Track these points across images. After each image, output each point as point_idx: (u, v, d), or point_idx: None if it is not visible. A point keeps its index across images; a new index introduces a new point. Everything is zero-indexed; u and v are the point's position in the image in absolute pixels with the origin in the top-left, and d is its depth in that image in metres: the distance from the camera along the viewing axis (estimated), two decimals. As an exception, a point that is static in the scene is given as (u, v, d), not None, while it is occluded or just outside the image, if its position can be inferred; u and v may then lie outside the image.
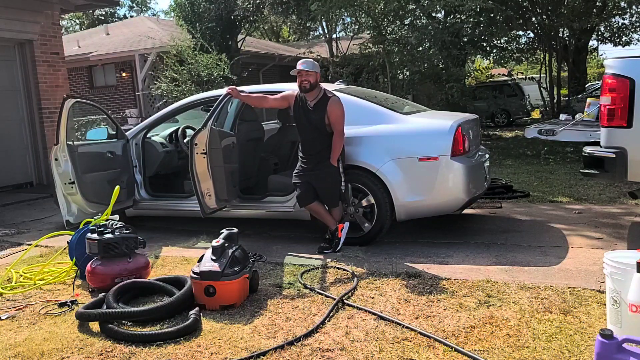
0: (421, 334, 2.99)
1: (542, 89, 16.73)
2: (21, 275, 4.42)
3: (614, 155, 4.23)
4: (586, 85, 19.07)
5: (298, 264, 4.37)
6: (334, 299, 3.50)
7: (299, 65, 4.53)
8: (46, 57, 9.79)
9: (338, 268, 4.20)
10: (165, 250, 5.05)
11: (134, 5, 40.78)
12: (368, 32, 15.31)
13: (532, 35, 16.43)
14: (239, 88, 5.07)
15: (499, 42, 15.14)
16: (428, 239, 5.03)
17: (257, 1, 16.49)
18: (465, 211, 5.54)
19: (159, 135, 6.49)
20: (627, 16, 16.59)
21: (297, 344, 2.95)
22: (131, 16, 33.58)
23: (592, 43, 20.50)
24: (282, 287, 3.86)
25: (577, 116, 9.37)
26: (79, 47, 17.70)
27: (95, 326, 3.31)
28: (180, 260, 4.64)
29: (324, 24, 17.86)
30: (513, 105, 18.26)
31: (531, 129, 9.12)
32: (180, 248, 5.08)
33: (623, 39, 17.51)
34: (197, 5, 15.83)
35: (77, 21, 37.06)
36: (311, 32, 24.42)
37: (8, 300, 3.95)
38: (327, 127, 4.57)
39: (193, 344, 3.03)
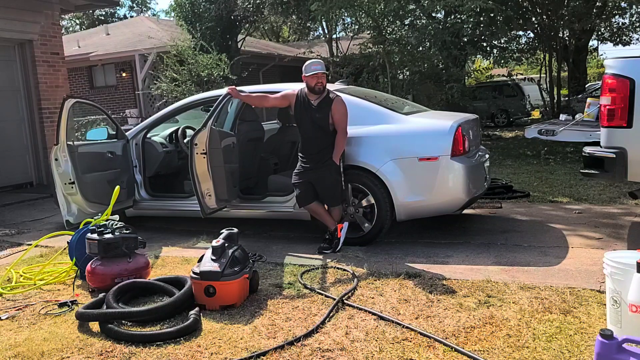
0: (421, 334, 2.99)
1: (542, 89, 16.72)
2: (21, 275, 4.42)
3: (614, 155, 4.24)
4: (586, 85, 19.07)
5: (298, 264, 4.37)
6: (334, 299, 3.49)
7: (317, 69, 4.51)
8: (46, 57, 9.78)
9: (338, 268, 4.20)
10: (165, 250, 5.05)
11: (134, 5, 40.74)
12: (368, 32, 15.31)
13: (532, 35, 16.44)
14: (238, 88, 5.08)
15: (499, 42, 15.14)
16: (428, 239, 5.03)
17: (257, 1, 16.47)
18: (465, 211, 5.54)
19: (159, 135, 6.49)
20: (627, 16, 16.61)
21: (297, 344, 2.95)
22: (131, 16, 33.53)
23: (592, 43, 20.54)
24: (282, 287, 3.86)
25: (577, 116, 9.37)
26: (79, 47, 17.70)
27: (95, 326, 3.31)
28: (180, 261, 4.64)
29: (324, 24, 17.83)
30: (512, 105, 18.26)
31: (531, 129, 9.13)
32: (180, 248, 5.08)
33: (623, 39, 17.52)
34: (197, 6, 15.83)
35: (77, 21, 37.04)
36: (311, 32, 24.39)
37: (8, 300, 3.95)
38: (330, 125, 4.58)
39: (193, 344, 3.03)
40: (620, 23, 17.27)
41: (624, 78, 4.15)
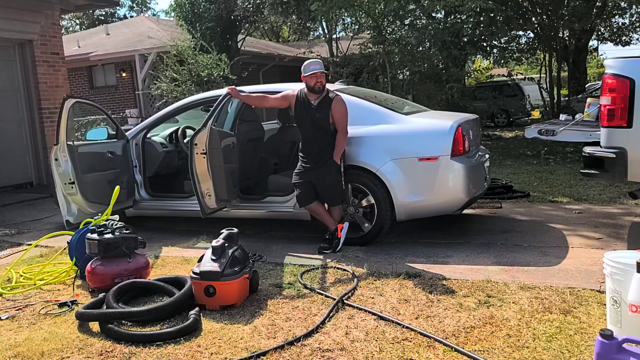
0: (421, 334, 2.99)
1: (542, 89, 16.72)
2: (21, 275, 4.42)
3: (614, 155, 4.24)
4: (586, 85, 19.07)
5: (298, 264, 4.37)
6: (334, 299, 3.49)
7: (315, 69, 4.53)
8: (46, 57, 9.78)
9: (338, 268, 4.20)
10: (165, 250, 5.05)
11: (134, 5, 40.74)
12: (368, 32, 15.31)
13: (532, 35, 16.44)
14: (238, 88, 5.08)
15: (499, 42, 15.15)
16: (428, 239, 5.03)
17: (257, 1, 16.48)
18: (465, 211, 5.54)
19: (159, 135, 6.49)
20: (627, 16, 16.61)
21: (297, 344, 2.95)
22: (131, 16, 33.53)
23: (592, 43, 20.53)
24: (282, 287, 3.86)
25: (577, 116, 9.38)
26: (79, 47, 17.70)
27: (95, 326, 3.31)
28: (180, 261, 4.64)
29: (324, 24, 17.84)
30: (512, 105, 18.26)
31: (531, 129, 9.13)
32: (180, 248, 5.08)
33: (623, 39, 17.52)
34: (197, 6, 15.83)
35: (77, 21, 37.04)
36: (311, 32, 24.39)
37: (8, 300, 3.95)
38: (331, 125, 4.59)
39: (193, 344, 3.03)
40: (620, 23, 17.28)
41: (624, 78, 4.15)
